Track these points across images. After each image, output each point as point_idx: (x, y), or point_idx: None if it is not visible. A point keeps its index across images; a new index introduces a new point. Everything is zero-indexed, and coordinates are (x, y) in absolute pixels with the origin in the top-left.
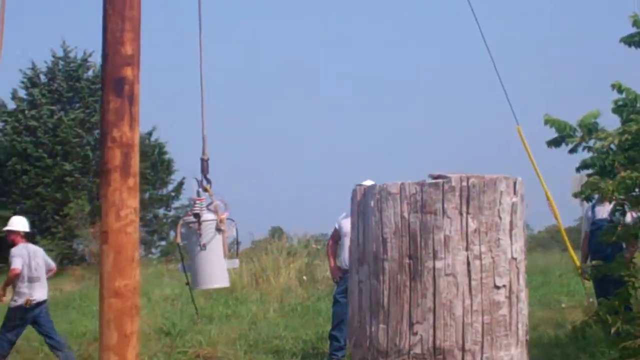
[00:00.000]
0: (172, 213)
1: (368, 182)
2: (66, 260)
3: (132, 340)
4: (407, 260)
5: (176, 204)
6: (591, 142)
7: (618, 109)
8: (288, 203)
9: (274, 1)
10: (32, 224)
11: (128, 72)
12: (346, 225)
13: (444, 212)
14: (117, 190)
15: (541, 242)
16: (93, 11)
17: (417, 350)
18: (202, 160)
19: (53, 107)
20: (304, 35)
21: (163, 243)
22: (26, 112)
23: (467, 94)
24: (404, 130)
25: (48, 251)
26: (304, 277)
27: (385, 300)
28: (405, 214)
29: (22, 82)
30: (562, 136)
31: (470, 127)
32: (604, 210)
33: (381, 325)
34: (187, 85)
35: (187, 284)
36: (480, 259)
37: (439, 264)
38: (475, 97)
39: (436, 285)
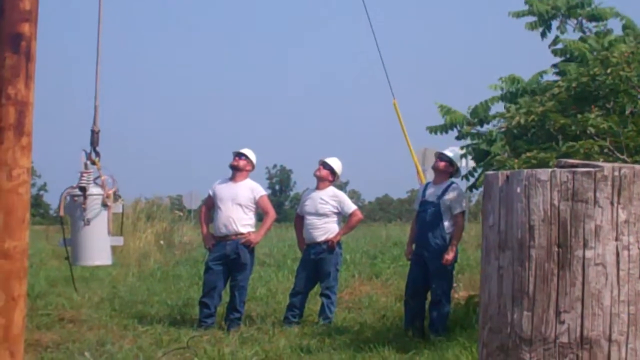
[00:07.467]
0: None
1: (332, 160)
2: None
3: (19, 303)
4: (555, 249)
5: None
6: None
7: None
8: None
9: None
10: None
11: (25, 28)
12: (221, 192)
13: (595, 201)
14: (9, 150)
15: None
16: None
17: (564, 339)
18: (93, 131)
19: None
20: None
21: None
22: None
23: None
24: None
25: None
26: (162, 242)
27: (531, 287)
28: (556, 202)
29: None
30: (452, 124)
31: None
32: (434, 192)
33: (525, 313)
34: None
35: (67, 258)
36: (629, 250)
37: (589, 253)
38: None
39: (585, 274)
